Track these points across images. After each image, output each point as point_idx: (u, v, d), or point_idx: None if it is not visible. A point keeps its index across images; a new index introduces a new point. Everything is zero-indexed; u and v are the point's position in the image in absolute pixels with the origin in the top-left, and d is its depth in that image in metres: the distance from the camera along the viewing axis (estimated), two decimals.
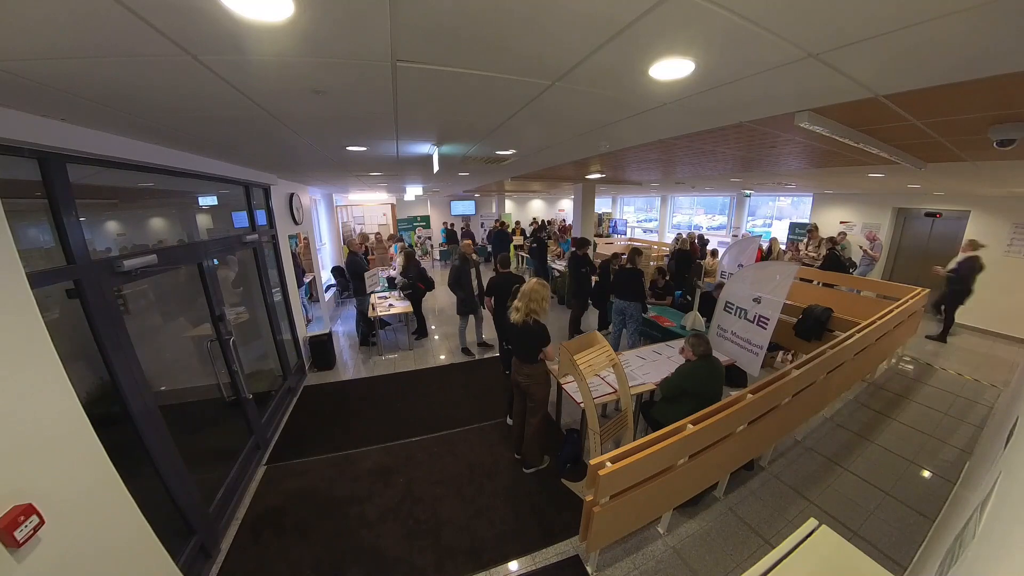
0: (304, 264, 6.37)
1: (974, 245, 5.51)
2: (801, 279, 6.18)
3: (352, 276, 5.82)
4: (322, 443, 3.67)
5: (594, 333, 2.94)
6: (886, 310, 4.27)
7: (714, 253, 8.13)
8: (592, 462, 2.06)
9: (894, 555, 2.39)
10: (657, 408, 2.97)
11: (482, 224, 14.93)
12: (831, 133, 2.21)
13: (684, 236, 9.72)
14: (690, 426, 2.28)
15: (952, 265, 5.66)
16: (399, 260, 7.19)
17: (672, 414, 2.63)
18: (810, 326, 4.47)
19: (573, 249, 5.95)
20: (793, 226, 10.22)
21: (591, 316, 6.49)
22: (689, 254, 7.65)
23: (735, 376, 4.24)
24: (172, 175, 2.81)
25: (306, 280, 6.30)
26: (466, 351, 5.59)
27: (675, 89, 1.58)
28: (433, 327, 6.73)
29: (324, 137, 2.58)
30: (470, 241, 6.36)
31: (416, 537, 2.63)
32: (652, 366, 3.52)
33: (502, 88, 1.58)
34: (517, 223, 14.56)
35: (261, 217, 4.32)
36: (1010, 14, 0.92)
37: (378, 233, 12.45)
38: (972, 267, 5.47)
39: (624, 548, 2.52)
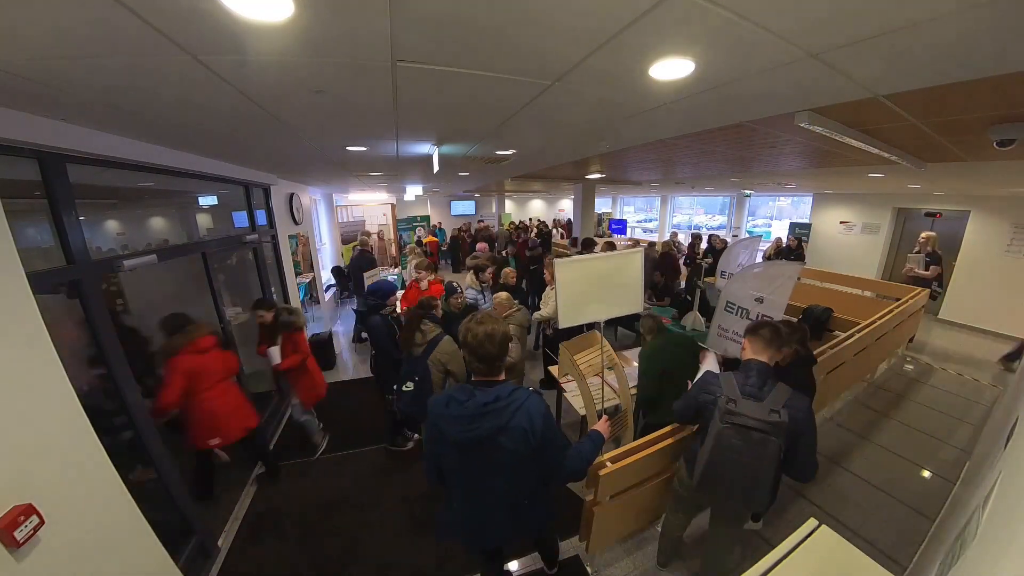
0: (303, 265, 6.35)
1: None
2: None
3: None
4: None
5: (594, 333, 2.94)
6: (886, 310, 4.27)
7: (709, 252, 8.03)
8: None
9: (894, 555, 2.39)
10: (650, 418, 2.74)
11: (480, 221, 14.19)
12: (831, 133, 2.21)
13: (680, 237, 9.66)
14: (691, 426, 2.27)
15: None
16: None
17: (665, 413, 2.36)
18: (810, 326, 4.46)
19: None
20: (793, 226, 10.18)
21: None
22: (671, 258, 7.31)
23: None
24: (172, 175, 2.81)
25: (304, 280, 6.28)
26: None
27: (675, 89, 1.57)
28: None
29: (324, 137, 2.58)
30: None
31: (417, 536, 2.63)
32: None
33: (502, 88, 1.58)
34: (512, 223, 13.18)
35: (261, 217, 4.31)
36: (1010, 14, 0.92)
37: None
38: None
39: (624, 548, 2.52)
